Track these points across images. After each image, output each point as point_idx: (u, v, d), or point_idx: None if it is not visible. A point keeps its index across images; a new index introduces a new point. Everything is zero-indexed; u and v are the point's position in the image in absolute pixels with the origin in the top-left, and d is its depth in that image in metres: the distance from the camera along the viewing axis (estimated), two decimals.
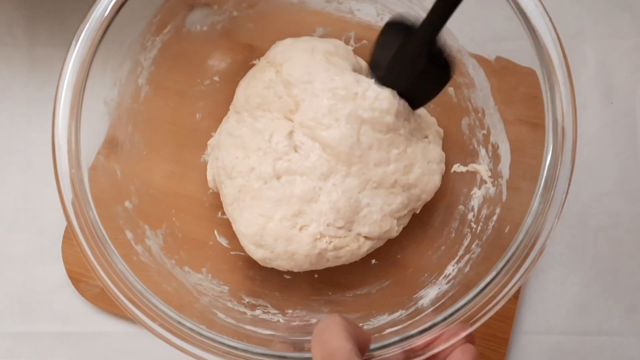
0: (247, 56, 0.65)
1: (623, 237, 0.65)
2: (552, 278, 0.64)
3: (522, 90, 0.55)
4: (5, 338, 0.64)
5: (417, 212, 0.60)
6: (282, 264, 0.57)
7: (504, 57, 0.58)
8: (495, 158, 0.59)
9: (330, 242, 0.56)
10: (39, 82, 0.67)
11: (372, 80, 0.57)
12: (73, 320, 0.64)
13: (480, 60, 0.59)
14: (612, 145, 0.67)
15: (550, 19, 0.50)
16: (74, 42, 0.50)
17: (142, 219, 0.57)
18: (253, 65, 0.64)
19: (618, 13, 0.68)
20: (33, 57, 0.67)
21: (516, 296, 0.62)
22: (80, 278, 0.62)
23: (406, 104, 0.58)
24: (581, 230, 0.65)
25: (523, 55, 0.52)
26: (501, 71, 0.58)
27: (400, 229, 0.59)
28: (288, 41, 0.62)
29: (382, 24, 0.62)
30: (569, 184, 0.48)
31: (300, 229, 0.56)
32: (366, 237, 0.57)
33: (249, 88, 0.60)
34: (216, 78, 0.64)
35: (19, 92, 0.67)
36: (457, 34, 0.59)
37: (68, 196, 0.49)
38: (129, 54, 0.58)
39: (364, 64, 0.62)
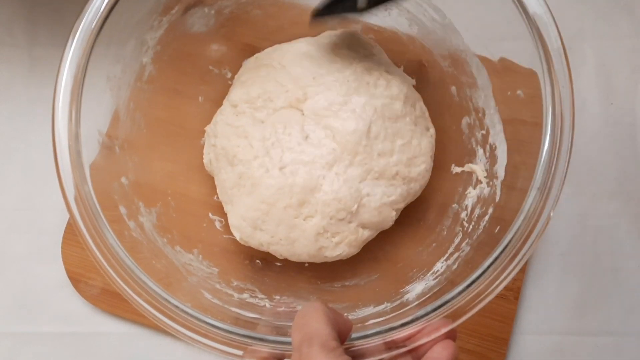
0: (253, 44, 0.65)
1: (623, 237, 0.65)
2: (552, 278, 0.64)
3: (523, 91, 0.55)
4: (6, 338, 0.64)
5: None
6: (280, 250, 0.58)
7: (507, 57, 0.58)
8: (492, 159, 0.59)
9: (332, 238, 0.57)
10: (39, 82, 0.67)
11: (383, 68, 0.57)
12: (73, 320, 0.64)
13: (484, 60, 0.59)
14: (612, 145, 0.66)
15: (554, 20, 0.50)
16: (80, 17, 0.50)
17: (137, 196, 0.58)
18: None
19: (618, 13, 0.68)
20: (33, 57, 0.67)
21: (516, 296, 0.62)
22: (80, 278, 0.62)
23: (412, 89, 0.59)
24: (581, 231, 0.65)
25: (525, 56, 0.52)
26: (503, 71, 0.58)
27: (394, 219, 0.59)
28: (285, 45, 0.62)
29: (389, 19, 0.62)
30: (561, 189, 0.48)
31: (305, 218, 0.56)
32: (363, 227, 0.58)
33: (247, 83, 0.60)
34: (220, 61, 0.64)
35: (19, 92, 0.67)
36: (462, 32, 0.59)
37: (66, 167, 0.49)
38: (134, 31, 0.58)
39: (373, 45, 0.63)
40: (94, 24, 0.51)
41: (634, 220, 0.65)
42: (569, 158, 0.48)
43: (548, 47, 0.50)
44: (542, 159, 0.48)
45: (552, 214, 0.47)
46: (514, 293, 0.62)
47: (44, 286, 0.64)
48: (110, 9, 0.51)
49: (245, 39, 0.64)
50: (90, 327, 0.63)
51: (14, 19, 0.68)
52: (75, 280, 0.62)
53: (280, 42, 0.63)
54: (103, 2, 0.51)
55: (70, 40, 0.50)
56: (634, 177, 0.66)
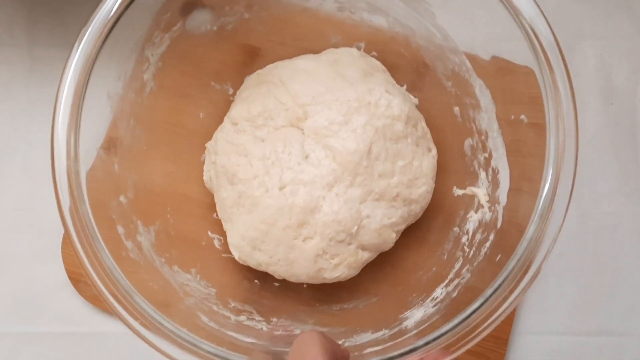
0: (255, 60, 0.64)
1: (623, 237, 0.65)
2: (552, 278, 0.64)
3: (521, 90, 0.55)
4: (6, 338, 0.64)
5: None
6: (279, 270, 0.57)
7: (501, 57, 0.57)
8: (494, 183, 0.58)
9: (332, 260, 0.56)
10: (39, 82, 0.67)
11: (384, 88, 0.57)
12: (73, 320, 0.64)
13: (479, 64, 0.59)
14: (612, 145, 0.66)
15: (547, 20, 0.50)
16: (81, 33, 0.50)
17: (135, 215, 0.57)
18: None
19: (618, 13, 0.68)
20: (33, 57, 0.67)
21: None
22: (80, 278, 0.62)
23: (414, 109, 0.58)
24: (581, 230, 0.65)
25: (521, 56, 0.52)
26: (499, 71, 0.58)
27: (394, 241, 0.59)
28: (286, 62, 0.62)
29: (394, 34, 0.60)
30: (563, 220, 0.48)
31: (304, 239, 0.56)
32: (363, 249, 0.57)
33: (248, 100, 0.60)
34: (221, 76, 0.64)
35: (19, 92, 0.67)
36: (454, 36, 0.59)
37: (63, 186, 0.49)
38: (136, 48, 0.58)
39: (376, 63, 0.62)
40: (95, 40, 0.50)
41: (634, 220, 0.65)
42: (572, 189, 0.48)
43: (555, 75, 0.49)
44: (545, 189, 0.48)
45: (554, 245, 0.47)
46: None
47: (44, 286, 0.64)
48: (113, 25, 0.51)
49: (248, 55, 0.64)
50: (90, 327, 0.64)
51: (14, 19, 0.68)
52: (75, 280, 0.62)
53: (283, 58, 0.63)
54: (105, 18, 0.50)
55: (71, 57, 0.50)
56: (634, 177, 0.66)
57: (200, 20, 0.62)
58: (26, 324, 0.64)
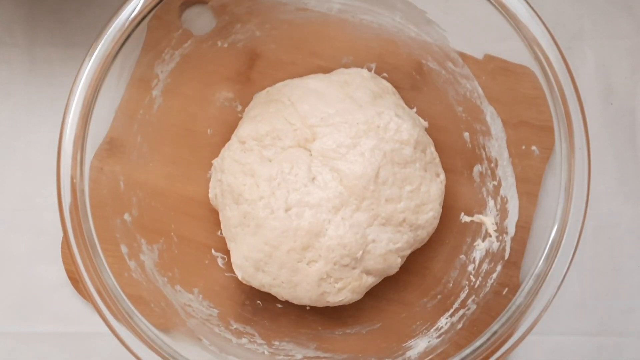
0: (265, 76, 0.63)
1: (623, 237, 0.65)
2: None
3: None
4: (6, 338, 0.64)
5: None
6: (282, 292, 0.57)
7: (497, 56, 0.57)
8: (503, 212, 0.58)
9: (335, 284, 0.56)
10: (38, 82, 0.67)
11: (394, 112, 0.56)
12: (73, 320, 0.64)
13: (479, 66, 0.58)
14: (612, 145, 0.66)
15: (545, 24, 0.50)
16: (91, 50, 0.50)
17: (139, 233, 0.57)
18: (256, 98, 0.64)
19: (618, 13, 0.68)
20: (33, 57, 0.67)
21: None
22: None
23: (423, 133, 0.58)
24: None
25: (518, 57, 0.52)
26: (495, 70, 0.58)
27: (399, 266, 0.58)
28: (297, 81, 0.61)
29: (406, 55, 0.60)
30: (574, 253, 0.48)
31: (308, 263, 0.56)
32: (368, 273, 0.57)
33: (257, 119, 0.59)
34: (231, 95, 0.64)
35: (19, 92, 0.67)
36: (450, 37, 0.59)
37: (66, 206, 0.49)
38: (146, 64, 0.58)
39: (386, 85, 0.61)
40: (105, 56, 0.51)
41: (633, 220, 0.65)
42: (584, 221, 0.48)
43: (546, 55, 0.49)
44: (557, 219, 0.49)
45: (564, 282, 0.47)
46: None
47: (44, 286, 0.64)
48: (124, 42, 0.51)
49: (258, 72, 0.63)
50: (90, 327, 0.64)
51: (14, 18, 0.67)
52: (75, 280, 0.62)
53: (292, 76, 0.62)
54: (116, 34, 0.51)
55: (80, 73, 0.50)
56: (633, 177, 0.66)
57: (201, 19, 0.62)
58: (26, 324, 0.64)
